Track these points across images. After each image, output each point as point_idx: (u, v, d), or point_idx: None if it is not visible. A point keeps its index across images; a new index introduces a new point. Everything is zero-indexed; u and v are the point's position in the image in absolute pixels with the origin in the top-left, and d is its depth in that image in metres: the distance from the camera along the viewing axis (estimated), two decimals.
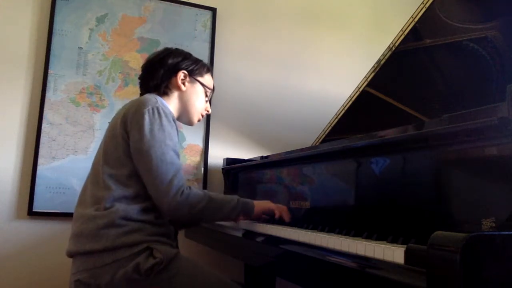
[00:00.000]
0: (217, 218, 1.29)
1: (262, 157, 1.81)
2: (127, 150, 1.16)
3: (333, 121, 1.69)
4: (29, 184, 1.81)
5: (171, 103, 1.33)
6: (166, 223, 1.20)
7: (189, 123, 1.40)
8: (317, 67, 2.35)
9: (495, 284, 0.59)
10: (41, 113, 1.84)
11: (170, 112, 1.21)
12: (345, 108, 1.65)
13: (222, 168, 1.95)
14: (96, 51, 1.96)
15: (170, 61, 1.33)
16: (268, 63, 2.27)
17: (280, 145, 2.10)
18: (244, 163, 1.83)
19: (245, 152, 2.14)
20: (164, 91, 1.32)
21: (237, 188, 1.85)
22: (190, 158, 2.06)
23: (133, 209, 1.12)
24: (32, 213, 1.79)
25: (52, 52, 1.89)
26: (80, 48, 1.94)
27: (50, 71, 1.88)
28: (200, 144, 2.08)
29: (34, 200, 1.80)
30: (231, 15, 2.22)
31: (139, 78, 1.38)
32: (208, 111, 1.43)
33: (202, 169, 2.07)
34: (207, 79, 1.40)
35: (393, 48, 1.47)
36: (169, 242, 1.17)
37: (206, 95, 1.40)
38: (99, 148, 1.26)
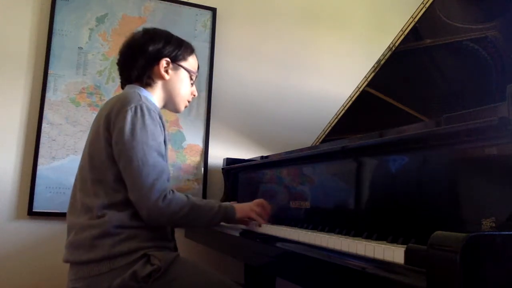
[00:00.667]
0: (198, 224, 1.25)
1: (262, 157, 1.81)
2: (111, 153, 1.10)
3: (333, 121, 1.69)
4: (29, 184, 1.81)
5: (155, 94, 1.26)
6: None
7: (176, 111, 1.34)
8: (317, 67, 2.35)
9: (495, 284, 0.59)
10: (41, 113, 1.85)
11: (155, 109, 1.16)
12: (345, 108, 1.65)
13: (222, 168, 1.95)
14: (96, 51, 1.96)
15: (151, 48, 1.23)
16: (268, 63, 2.27)
17: (280, 145, 2.10)
18: (244, 163, 1.83)
19: (245, 152, 2.14)
20: (146, 82, 1.24)
21: (237, 188, 1.85)
22: (190, 158, 2.06)
23: (125, 216, 1.08)
24: (32, 213, 1.79)
25: (52, 52, 1.89)
26: (80, 48, 1.94)
27: (50, 71, 1.88)
28: (200, 144, 2.08)
29: (34, 200, 1.80)
30: (231, 15, 2.22)
31: (117, 64, 1.30)
32: (194, 95, 1.35)
33: (202, 169, 2.07)
34: (191, 62, 1.31)
35: (393, 48, 1.47)
36: (167, 246, 1.15)
37: (191, 79, 1.32)
38: (83, 151, 1.20)
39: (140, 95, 1.15)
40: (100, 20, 1.98)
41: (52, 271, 1.78)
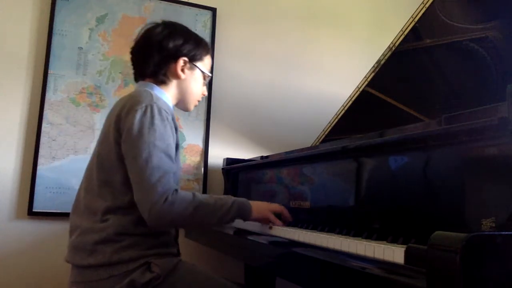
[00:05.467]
0: (208, 223, 1.19)
1: (262, 157, 1.81)
2: (120, 153, 1.07)
3: (333, 121, 1.69)
4: (29, 184, 1.81)
5: (169, 92, 1.23)
6: (166, 231, 1.14)
7: (186, 110, 1.32)
8: (317, 67, 2.35)
9: (495, 284, 0.59)
10: (41, 113, 1.84)
11: (168, 109, 1.13)
12: (345, 108, 1.65)
13: (222, 168, 1.95)
14: (96, 51, 1.96)
15: (170, 45, 1.19)
16: (268, 63, 2.27)
17: (280, 145, 2.09)
18: (244, 163, 1.83)
19: (245, 152, 2.13)
20: (161, 79, 1.21)
21: (237, 188, 1.85)
22: (190, 158, 2.06)
23: (129, 221, 1.06)
24: (32, 213, 1.79)
25: (52, 52, 1.89)
26: (80, 48, 1.94)
27: (50, 71, 1.88)
28: (200, 144, 2.08)
29: (34, 200, 1.80)
30: (231, 15, 2.22)
31: (131, 54, 1.25)
32: (204, 94, 1.33)
33: (202, 169, 2.07)
34: (206, 62, 1.29)
35: (393, 48, 1.47)
36: (169, 252, 1.12)
37: (204, 79, 1.30)
38: (93, 150, 1.18)
39: (152, 95, 1.12)
40: (100, 20, 1.98)
41: (52, 271, 1.78)
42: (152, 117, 1.07)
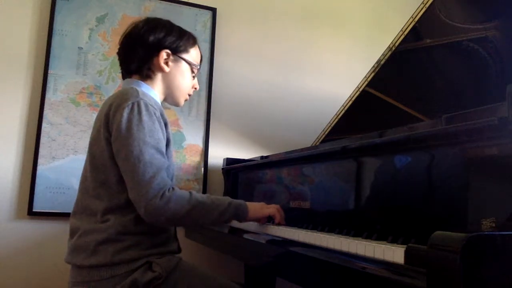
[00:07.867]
0: (204, 223, 1.16)
1: (262, 157, 1.81)
2: (112, 153, 1.07)
3: (333, 121, 1.69)
4: (29, 184, 1.81)
5: (156, 87, 1.22)
6: (166, 228, 1.14)
7: (176, 104, 1.29)
8: (317, 67, 2.35)
9: (495, 284, 0.59)
10: (41, 113, 1.85)
11: (155, 104, 1.12)
12: (345, 108, 1.65)
13: (222, 168, 1.95)
14: (96, 51, 1.96)
15: (151, 38, 1.18)
16: (268, 63, 2.27)
17: (280, 145, 2.10)
18: (244, 163, 1.83)
19: (245, 152, 2.14)
20: (146, 74, 1.20)
21: (237, 188, 1.85)
22: (190, 158, 2.06)
23: (129, 221, 1.05)
24: (32, 213, 1.79)
25: (52, 52, 1.89)
26: (80, 48, 1.94)
27: (50, 71, 1.88)
28: (200, 144, 2.08)
29: (34, 200, 1.80)
30: (231, 15, 2.22)
31: (117, 54, 1.24)
32: (195, 88, 1.31)
33: (202, 169, 2.07)
34: (193, 54, 1.27)
35: (393, 48, 1.47)
36: (170, 250, 1.13)
37: (193, 72, 1.27)
38: (87, 152, 1.17)
39: (138, 91, 1.11)
40: (100, 20, 1.98)
41: (52, 271, 1.78)
42: (139, 113, 1.06)
